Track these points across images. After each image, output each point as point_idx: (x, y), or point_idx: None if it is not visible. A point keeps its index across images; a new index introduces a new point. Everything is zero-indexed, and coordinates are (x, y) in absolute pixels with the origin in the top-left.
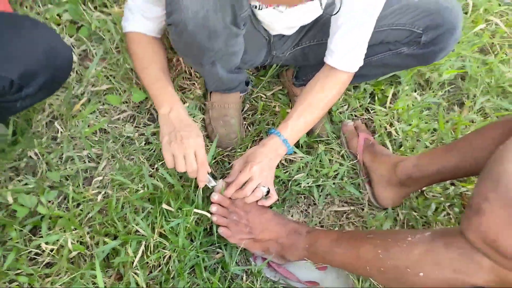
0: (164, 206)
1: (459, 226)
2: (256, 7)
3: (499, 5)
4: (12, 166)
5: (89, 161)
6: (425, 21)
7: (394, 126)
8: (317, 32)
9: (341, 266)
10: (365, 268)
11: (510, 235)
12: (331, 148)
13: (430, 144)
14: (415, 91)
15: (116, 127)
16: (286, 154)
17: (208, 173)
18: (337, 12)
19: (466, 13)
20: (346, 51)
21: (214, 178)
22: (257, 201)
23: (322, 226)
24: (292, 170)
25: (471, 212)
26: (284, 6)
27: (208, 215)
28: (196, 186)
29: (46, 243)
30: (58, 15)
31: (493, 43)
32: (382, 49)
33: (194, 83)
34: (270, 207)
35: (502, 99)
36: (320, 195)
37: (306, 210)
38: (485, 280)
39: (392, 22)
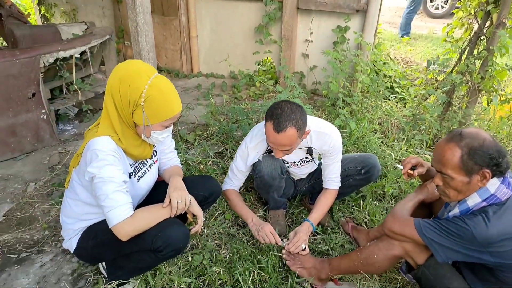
0: (259, 256)
1: None
2: (288, 166)
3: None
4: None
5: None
6: (361, 164)
7: (366, 218)
8: (317, 175)
9: (346, 271)
10: (354, 265)
11: (395, 227)
12: (335, 231)
13: None
14: (376, 200)
15: (217, 228)
16: (312, 231)
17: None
18: (322, 164)
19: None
20: (331, 179)
21: (282, 240)
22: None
23: None
24: (317, 243)
25: (384, 223)
26: (299, 163)
27: (281, 255)
28: (272, 247)
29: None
30: None
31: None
32: (347, 179)
33: (258, 210)
34: None
35: None
36: (333, 253)
37: None
38: (399, 251)
39: (348, 167)
